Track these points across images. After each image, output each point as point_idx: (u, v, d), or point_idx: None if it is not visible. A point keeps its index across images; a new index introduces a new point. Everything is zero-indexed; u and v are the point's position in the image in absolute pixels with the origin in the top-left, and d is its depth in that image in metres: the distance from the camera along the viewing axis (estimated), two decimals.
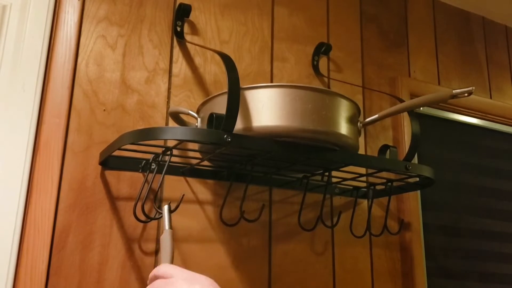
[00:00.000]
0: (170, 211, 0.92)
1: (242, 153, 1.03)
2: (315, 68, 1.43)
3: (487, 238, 1.68)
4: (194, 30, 1.28)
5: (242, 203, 1.06)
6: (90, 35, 1.15)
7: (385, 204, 1.41)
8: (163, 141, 1.10)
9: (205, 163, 1.15)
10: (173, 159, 1.13)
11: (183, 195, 1.12)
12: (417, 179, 1.22)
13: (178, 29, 1.24)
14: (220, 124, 0.89)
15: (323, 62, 1.45)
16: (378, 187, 1.30)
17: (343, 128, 0.99)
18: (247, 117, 0.95)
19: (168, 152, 0.99)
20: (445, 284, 1.54)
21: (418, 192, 1.51)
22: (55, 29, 1.12)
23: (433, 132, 1.66)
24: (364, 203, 1.39)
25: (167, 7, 1.26)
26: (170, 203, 1.05)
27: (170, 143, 1.10)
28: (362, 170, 1.31)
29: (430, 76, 1.68)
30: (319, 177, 1.21)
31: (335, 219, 1.33)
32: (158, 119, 1.18)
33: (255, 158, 1.05)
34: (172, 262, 0.88)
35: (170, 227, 0.90)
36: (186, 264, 1.12)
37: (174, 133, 0.91)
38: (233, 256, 1.18)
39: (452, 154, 1.69)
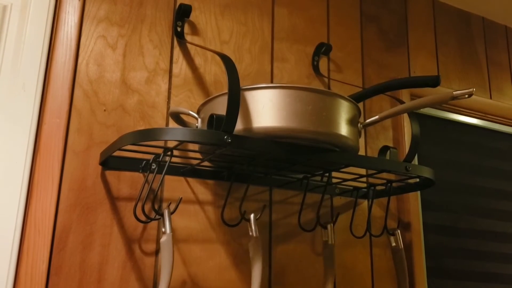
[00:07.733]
0: (171, 214, 0.92)
1: (242, 154, 1.03)
2: (315, 68, 1.42)
3: (487, 238, 1.68)
4: (195, 30, 1.28)
5: (242, 203, 1.06)
6: (91, 35, 1.15)
7: (385, 204, 1.41)
8: (163, 141, 1.10)
9: (206, 163, 1.15)
10: (174, 159, 1.13)
11: (181, 198, 1.12)
12: (417, 179, 1.22)
13: (179, 29, 1.24)
14: (221, 125, 0.89)
15: (323, 62, 1.45)
16: (378, 188, 1.30)
17: (343, 129, 0.99)
18: (247, 118, 0.95)
19: (169, 153, 0.99)
20: (445, 284, 1.54)
21: (418, 192, 1.51)
22: (56, 29, 1.12)
23: (433, 132, 1.66)
24: (364, 203, 1.39)
25: (167, 7, 1.26)
26: (169, 205, 1.06)
27: (171, 144, 1.10)
28: (362, 171, 1.31)
29: None
30: (319, 178, 1.21)
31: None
32: (158, 119, 1.18)
33: (255, 159, 1.05)
34: (173, 265, 0.88)
35: (171, 230, 0.91)
36: (186, 264, 1.12)
37: (174, 134, 0.90)
38: (233, 257, 1.18)
39: (452, 154, 1.69)
